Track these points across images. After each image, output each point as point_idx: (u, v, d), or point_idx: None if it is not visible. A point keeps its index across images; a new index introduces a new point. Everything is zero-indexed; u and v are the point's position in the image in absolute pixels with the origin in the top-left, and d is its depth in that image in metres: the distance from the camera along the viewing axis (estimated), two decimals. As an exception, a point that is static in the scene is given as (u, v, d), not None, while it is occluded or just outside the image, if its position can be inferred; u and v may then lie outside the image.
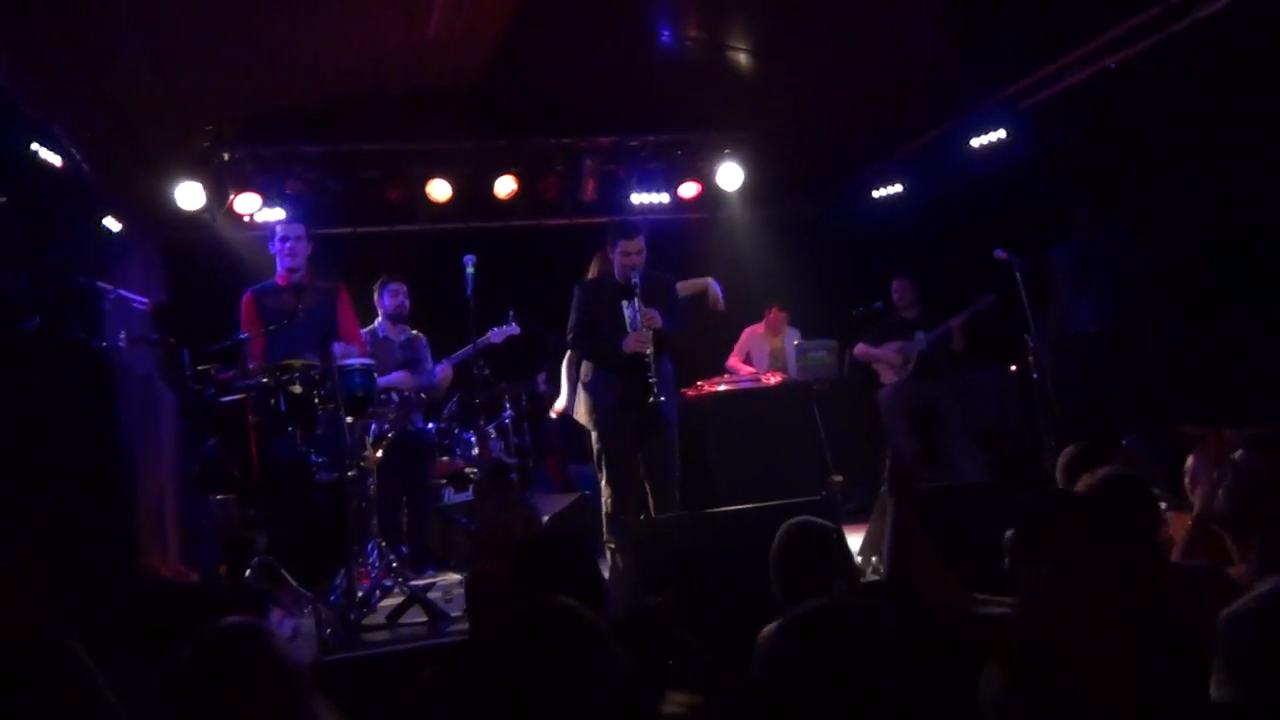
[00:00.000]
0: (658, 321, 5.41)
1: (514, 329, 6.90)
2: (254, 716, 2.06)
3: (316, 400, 5.05)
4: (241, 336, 5.17)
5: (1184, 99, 6.24)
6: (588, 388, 5.71)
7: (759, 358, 8.23)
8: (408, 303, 6.81)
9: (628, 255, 5.49)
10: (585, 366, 5.77)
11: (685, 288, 6.58)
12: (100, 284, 5.46)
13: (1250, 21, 5.70)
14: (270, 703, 2.08)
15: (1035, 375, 6.44)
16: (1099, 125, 6.81)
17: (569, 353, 6.75)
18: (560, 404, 7.17)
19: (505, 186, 8.07)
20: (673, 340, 5.62)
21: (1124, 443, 5.50)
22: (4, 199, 4.96)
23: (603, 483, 5.61)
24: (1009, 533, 3.03)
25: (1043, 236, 6.82)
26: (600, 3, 6.37)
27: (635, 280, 5.46)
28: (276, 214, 7.25)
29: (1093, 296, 6.42)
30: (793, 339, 8.09)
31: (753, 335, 8.34)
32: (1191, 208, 6.39)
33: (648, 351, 5.38)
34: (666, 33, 6.99)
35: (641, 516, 5.41)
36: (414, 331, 6.87)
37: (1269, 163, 5.85)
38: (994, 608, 2.70)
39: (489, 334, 6.73)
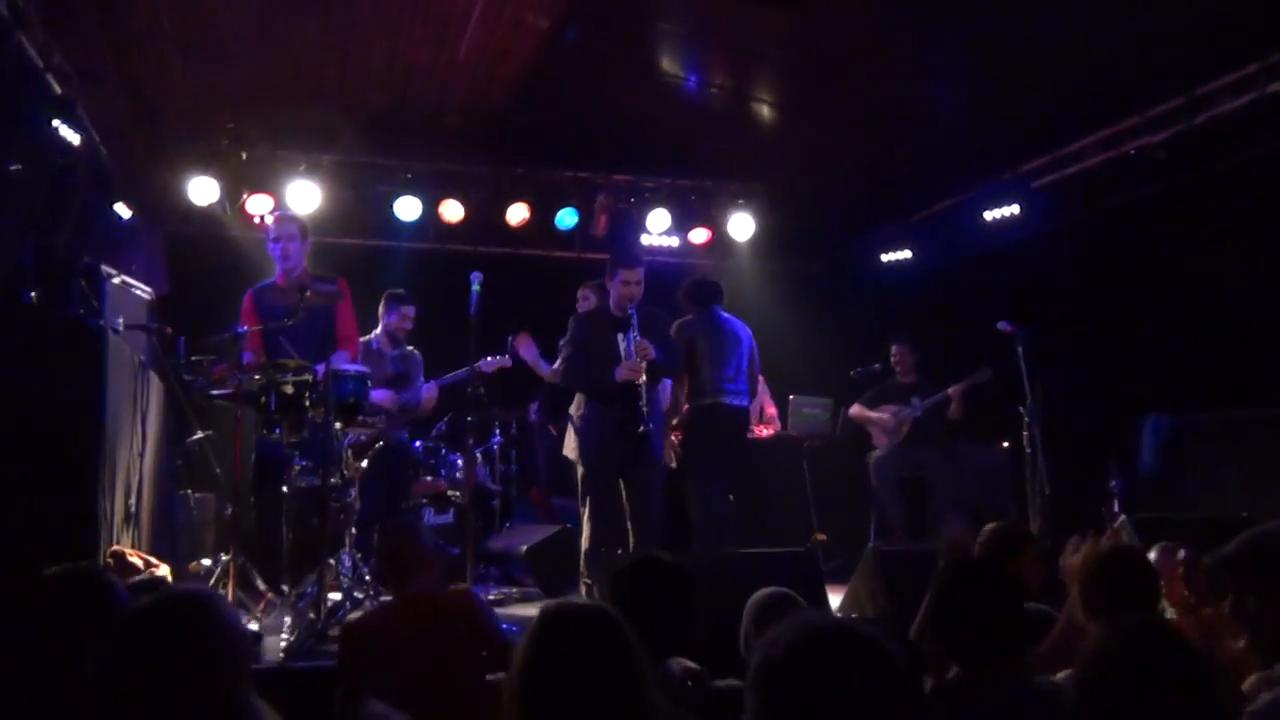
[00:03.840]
0: (651, 352, 5.43)
1: (505, 360, 6.86)
2: (194, 685, 1.98)
3: (307, 403, 4.98)
4: (240, 330, 5.10)
5: (1199, 193, 6.29)
6: (578, 421, 5.71)
7: None
8: (411, 329, 6.77)
9: (628, 285, 5.51)
10: (577, 400, 5.76)
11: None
12: (104, 267, 5.40)
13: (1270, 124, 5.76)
14: (210, 675, 1.99)
15: (1029, 450, 6.40)
16: (1113, 210, 6.86)
17: None
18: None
19: (518, 214, 8.12)
20: (663, 374, 5.66)
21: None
22: (19, 167, 4.94)
23: (584, 517, 5.60)
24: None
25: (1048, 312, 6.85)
26: (629, 43, 6.41)
27: (631, 310, 5.49)
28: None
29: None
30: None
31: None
32: (1193, 301, 6.43)
33: (640, 380, 5.38)
34: (693, 78, 7.03)
35: (620, 553, 5.36)
36: (409, 348, 6.84)
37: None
38: None
39: (480, 362, 6.68)
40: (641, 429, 5.36)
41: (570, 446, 5.81)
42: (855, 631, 1.59)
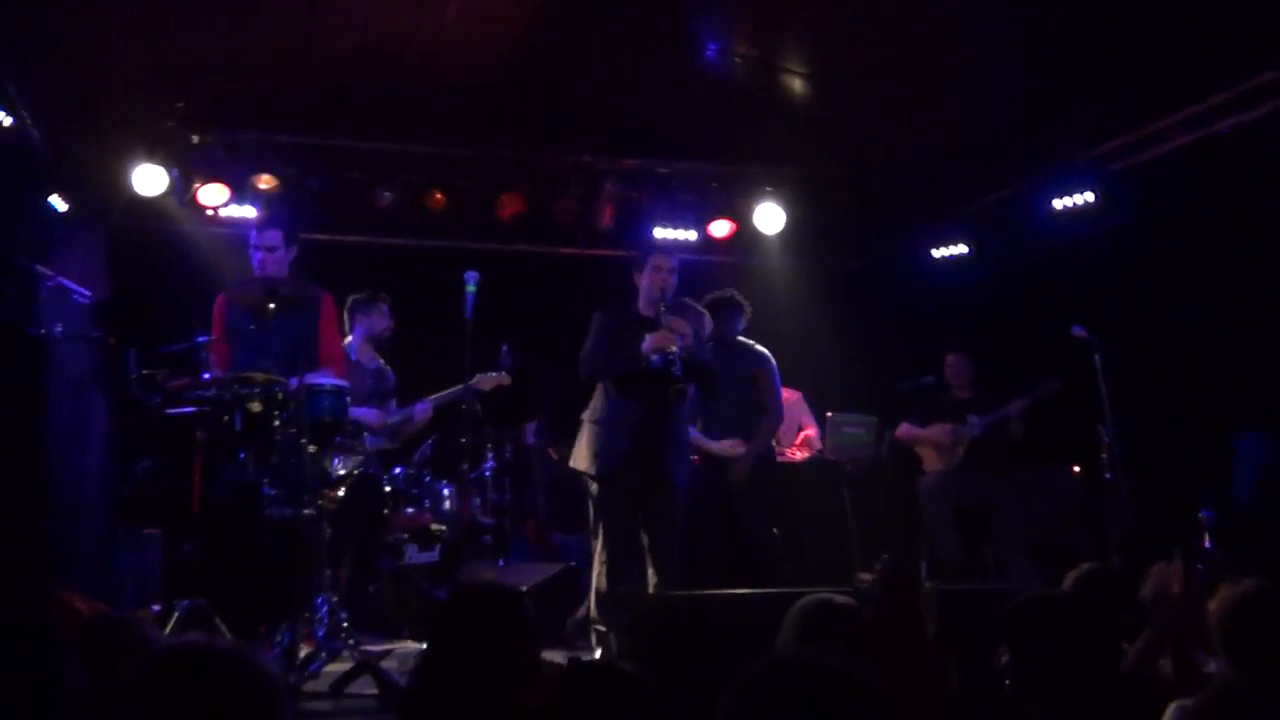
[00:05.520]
0: (686, 328, 5.43)
1: (503, 378, 6.95)
2: None
3: (277, 422, 5.04)
4: (200, 339, 5.17)
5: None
6: (594, 424, 5.66)
7: None
8: (392, 327, 6.87)
9: (659, 271, 5.57)
10: (596, 399, 5.72)
11: None
12: (38, 267, 5.51)
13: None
14: None
15: (1107, 476, 6.45)
16: (1204, 198, 6.87)
17: None
18: None
19: (510, 204, 8.20)
20: (696, 374, 5.59)
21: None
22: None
23: (597, 549, 5.56)
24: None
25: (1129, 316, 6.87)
26: (639, 6, 6.50)
27: (666, 303, 5.50)
28: (245, 210, 7.39)
29: None
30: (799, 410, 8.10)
31: None
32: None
33: (672, 349, 5.35)
34: (713, 47, 7.09)
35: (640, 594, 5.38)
36: (383, 362, 6.93)
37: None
38: None
39: (476, 379, 6.72)
40: (675, 387, 5.32)
41: (582, 455, 5.69)
42: (831, 670, 1.69)
